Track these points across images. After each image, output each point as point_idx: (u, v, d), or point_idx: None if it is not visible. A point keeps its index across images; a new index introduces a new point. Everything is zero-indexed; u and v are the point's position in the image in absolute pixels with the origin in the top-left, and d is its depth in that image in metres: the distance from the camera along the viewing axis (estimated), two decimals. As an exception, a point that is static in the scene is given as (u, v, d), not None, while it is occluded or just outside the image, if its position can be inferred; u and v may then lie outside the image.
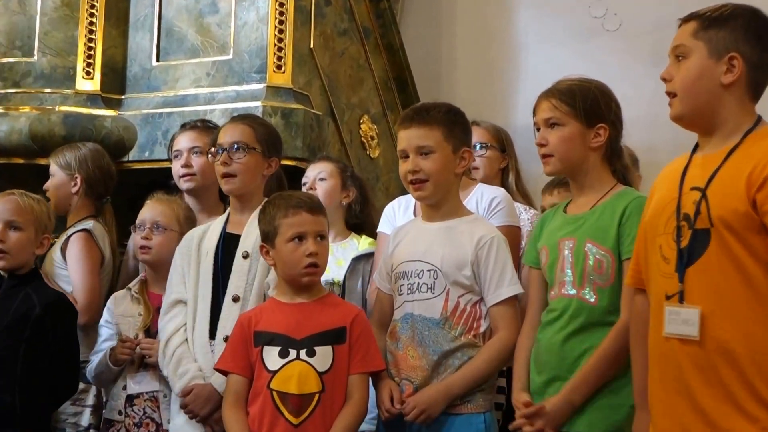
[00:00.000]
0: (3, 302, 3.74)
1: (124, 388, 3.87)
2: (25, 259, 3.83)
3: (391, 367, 3.38)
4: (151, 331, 3.90)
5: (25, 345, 3.66)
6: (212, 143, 3.92)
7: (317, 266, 3.33)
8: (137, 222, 4.01)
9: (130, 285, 4.02)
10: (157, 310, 3.89)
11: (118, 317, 3.97)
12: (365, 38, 5.38)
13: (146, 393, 3.85)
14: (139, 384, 3.86)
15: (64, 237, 4.28)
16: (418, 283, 3.36)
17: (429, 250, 3.38)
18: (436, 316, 3.31)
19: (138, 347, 3.83)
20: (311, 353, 3.25)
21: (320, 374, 3.24)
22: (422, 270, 3.37)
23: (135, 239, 4.02)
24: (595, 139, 3.19)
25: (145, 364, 3.85)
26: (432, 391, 3.27)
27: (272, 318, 3.34)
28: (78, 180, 4.40)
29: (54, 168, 4.43)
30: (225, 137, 3.75)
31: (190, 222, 4.04)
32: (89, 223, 4.31)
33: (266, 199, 3.59)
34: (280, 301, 3.38)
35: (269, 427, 3.23)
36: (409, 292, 3.38)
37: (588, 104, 3.18)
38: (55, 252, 4.25)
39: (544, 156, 3.22)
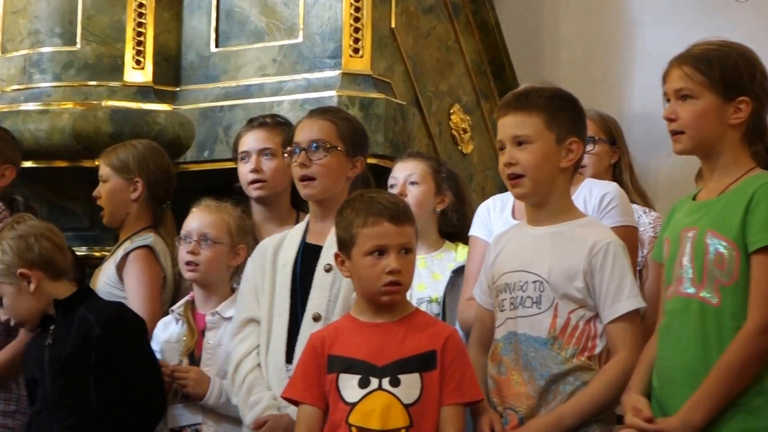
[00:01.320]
0: (59, 334, 3.77)
1: (167, 422, 3.92)
2: (34, 315, 3.86)
3: (492, 394, 3.36)
4: (195, 356, 3.95)
5: (94, 375, 3.68)
6: (288, 142, 3.94)
7: (400, 284, 3.29)
8: (182, 233, 4.03)
9: (174, 307, 4.07)
10: (202, 332, 3.95)
11: (163, 344, 4.02)
12: (454, 16, 5.38)
13: (189, 427, 3.90)
14: (180, 416, 3.91)
15: (119, 252, 4.26)
16: (522, 297, 3.34)
17: (534, 258, 3.36)
18: (543, 335, 3.29)
19: (174, 377, 3.88)
20: (395, 382, 3.22)
21: (406, 407, 3.20)
22: (526, 282, 3.34)
23: (180, 254, 4.03)
24: (735, 114, 3.13)
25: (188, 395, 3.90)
26: (540, 423, 3.24)
27: (350, 340, 3.32)
28: (139, 184, 4.35)
29: (107, 171, 4.37)
30: (302, 135, 3.77)
31: (243, 233, 4.06)
32: (149, 237, 4.28)
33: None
34: (358, 320, 3.35)
35: None
36: (511, 307, 3.35)
37: (728, 74, 3.13)
38: (108, 269, 4.26)
39: (673, 133, 3.18)
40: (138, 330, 3.83)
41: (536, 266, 3.34)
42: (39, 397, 3.80)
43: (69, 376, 3.70)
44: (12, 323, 3.89)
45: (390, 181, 4.31)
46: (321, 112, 3.91)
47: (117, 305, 3.85)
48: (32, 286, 3.78)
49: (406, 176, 4.32)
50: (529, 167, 3.33)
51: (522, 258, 3.39)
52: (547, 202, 3.40)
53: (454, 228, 4.35)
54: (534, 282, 3.33)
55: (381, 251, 3.28)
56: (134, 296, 4.18)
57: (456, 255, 4.27)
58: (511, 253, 3.45)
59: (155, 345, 4.03)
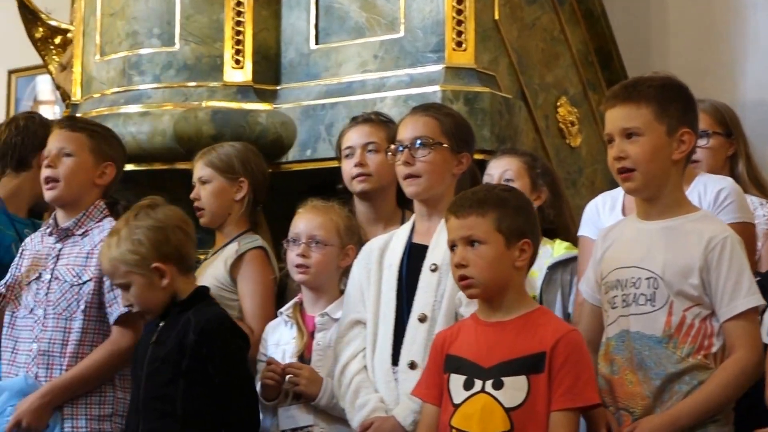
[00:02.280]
0: (164, 333, 3.79)
1: (278, 424, 3.96)
2: (156, 305, 3.85)
3: (604, 394, 3.35)
4: (305, 357, 3.98)
5: (185, 380, 3.70)
6: (391, 140, 3.98)
7: (466, 278, 3.33)
8: (291, 236, 4.06)
9: (282, 309, 4.11)
10: (312, 334, 3.99)
11: (272, 346, 4.07)
12: (559, 5, 5.38)
13: (301, 429, 3.93)
14: (291, 419, 3.95)
15: (228, 254, 4.30)
16: (635, 294, 3.33)
17: (647, 254, 3.35)
18: (657, 333, 3.28)
19: (286, 375, 3.91)
20: (498, 385, 3.23)
21: (508, 410, 3.20)
22: (639, 278, 3.34)
23: (289, 256, 4.07)
24: None
25: (299, 395, 3.92)
26: (654, 422, 3.23)
27: (465, 340, 3.36)
28: (243, 185, 4.39)
29: (208, 172, 4.40)
30: (406, 132, 3.80)
31: (351, 233, 4.09)
32: (256, 239, 4.33)
33: None
34: (478, 319, 3.38)
35: None
36: (624, 304, 3.35)
37: None
38: (217, 271, 4.29)
39: None
40: (233, 343, 3.80)
41: (649, 262, 3.33)
42: (133, 395, 3.86)
43: (161, 378, 3.73)
44: (134, 311, 3.90)
45: (485, 179, 4.33)
46: (424, 108, 3.94)
47: (221, 315, 3.85)
48: (165, 282, 3.79)
49: (501, 173, 4.34)
50: (640, 161, 3.33)
51: (634, 253, 3.38)
52: (659, 195, 3.38)
53: (551, 224, 4.36)
54: (647, 279, 3.32)
55: (452, 246, 3.36)
56: (248, 298, 4.24)
57: (553, 251, 4.27)
58: (621, 249, 3.44)
59: (263, 348, 4.09)
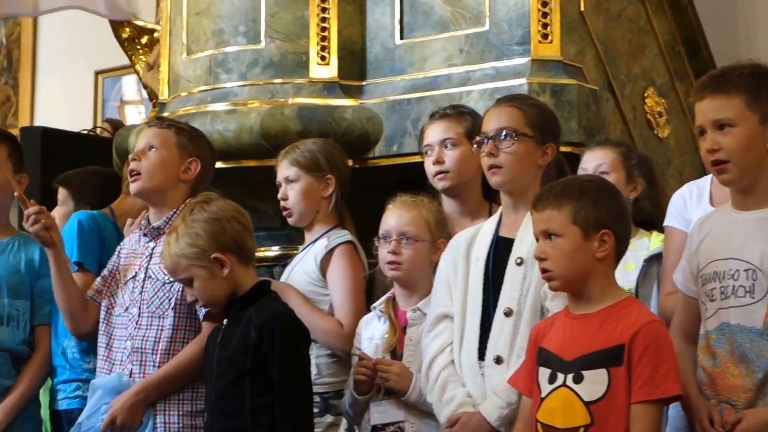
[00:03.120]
0: (228, 332, 3.81)
1: (370, 420, 3.97)
2: (218, 296, 3.86)
3: (705, 387, 3.31)
4: (397, 353, 3.98)
5: (250, 377, 3.71)
6: (471, 131, 3.96)
7: (546, 271, 3.33)
8: (381, 232, 4.06)
9: (375, 303, 4.11)
10: (403, 329, 3.98)
11: (366, 341, 4.07)
12: (645, -4, 5.33)
13: (391, 424, 3.94)
14: (382, 414, 3.95)
15: (319, 250, 4.30)
16: (734, 286, 3.26)
17: (744, 245, 3.28)
18: (758, 326, 3.21)
19: (377, 370, 3.91)
20: (578, 379, 3.21)
21: (587, 404, 3.18)
22: (737, 270, 3.27)
23: (381, 253, 4.06)
24: None
25: (390, 391, 3.93)
26: (762, 415, 3.17)
27: (554, 332, 3.35)
28: (331, 182, 4.39)
29: (295, 171, 4.39)
30: (490, 124, 3.78)
31: (441, 226, 4.08)
32: (345, 234, 4.34)
33: None
34: (567, 311, 3.37)
35: None
36: (722, 297, 3.28)
37: None
38: (308, 267, 4.31)
39: None
40: (291, 341, 3.78)
41: (747, 253, 3.26)
42: (207, 394, 3.89)
43: (228, 377, 3.75)
44: (198, 306, 3.96)
45: (579, 172, 4.29)
46: (508, 99, 3.91)
47: (281, 311, 3.83)
48: (225, 271, 3.80)
49: (596, 166, 4.30)
50: (734, 152, 3.26)
51: (731, 245, 3.32)
52: (754, 185, 3.32)
53: (647, 216, 4.31)
54: (746, 270, 3.25)
55: (537, 239, 3.37)
56: (339, 292, 4.25)
57: (650, 243, 4.23)
58: (717, 240, 3.38)
59: (357, 342, 4.10)
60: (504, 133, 3.72)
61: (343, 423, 4.20)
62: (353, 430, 4.16)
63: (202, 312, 4.05)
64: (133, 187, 4.24)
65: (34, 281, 4.61)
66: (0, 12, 5.60)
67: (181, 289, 4.07)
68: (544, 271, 3.33)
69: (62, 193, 5.26)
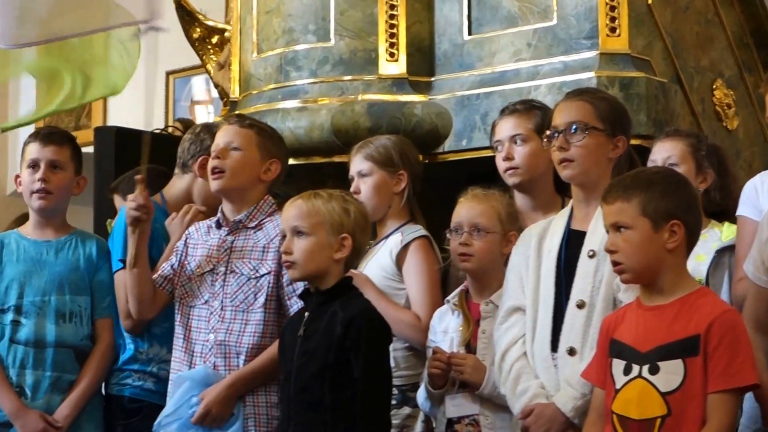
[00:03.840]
0: (311, 324, 3.79)
1: (444, 413, 3.98)
2: (320, 267, 3.83)
3: None
4: (471, 346, 3.99)
5: (332, 371, 3.70)
6: (542, 125, 3.97)
7: (616, 264, 3.34)
8: (453, 225, 4.07)
9: (449, 297, 4.12)
10: (477, 322, 3.99)
11: (440, 334, 4.08)
12: (713, -13, 5.30)
13: (466, 417, 3.95)
14: (457, 407, 3.96)
15: (394, 245, 4.32)
16: None
17: (817, 235, 3.28)
18: (830, 313, 3.21)
19: (451, 364, 3.92)
20: (654, 370, 3.20)
21: (664, 395, 3.18)
22: None
23: (452, 245, 4.08)
24: None
25: (464, 384, 3.94)
26: None
27: (627, 324, 3.34)
28: (403, 177, 4.40)
29: (368, 166, 4.41)
30: (560, 118, 3.78)
31: (512, 218, 4.08)
32: (419, 228, 4.35)
33: None
34: (640, 303, 3.36)
35: None
36: (797, 288, 3.28)
37: None
38: (383, 262, 4.33)
39: None
40: (379, 339, 3.77)
41: None
42: (282, 387, 3.89)
43: (310, 370, 3.74)
44: (286, 271, 3.92)
45: (649, 164, 4.27)
46: (578, 93, 3.91)
47: (367, 308, 3.81)
48: (337, 256, 3.78)
49: (665, 158, 4.29)
50: None
51: (804, 235, 3.31)
52: None
53: (718, 207, 4.29)
54: None
55: (607, 231, 3.36)
56: (415, 286, 4.27)
57: (722, 234, 4.21)
58: (789, 230, 3.38)
59: (432, 335, 4.11)
60: (574, 126, 3.72)
61: (421, 415, 4.22)
62: (430, 422, 4.17)
63: (292, 309, 4.07)
64: (215, 184, 4.26)
65: (92, 276, 4.66)
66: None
67: (270, 284, 4.13)
68: (615, 263, 3.33)
69: (117, 200, 5.31)
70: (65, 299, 4.60)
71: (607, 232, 3.36)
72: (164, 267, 4.37)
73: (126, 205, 4.27)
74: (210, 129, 4.76)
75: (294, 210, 3.82)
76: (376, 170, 4.40)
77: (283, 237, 3.85)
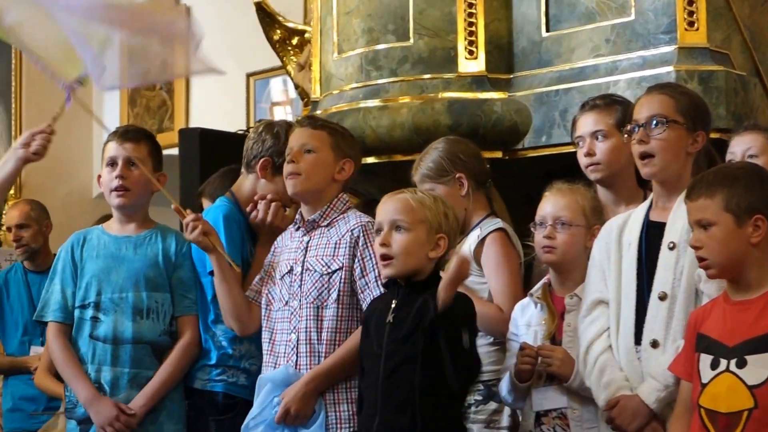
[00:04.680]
0: (400, 312, 3.80)
1: (532, 406, 3.99)
2: (416, 264, 3.84)
3: None
4: (556, 339, 4.00)
5: (422, 357, 3.71)
6: (622, 120, 3.97)
7: (702, 259, 3.35)
8: (537, 218, 4.08)
9: (533, 290, 4.13)
10: (562, 315, 4.00)
11: (522, 327, 4.09)
12: (793, -21, 5.25)
13: (554, 410, 3.96)
14: (545, 400, 3.97)
15: (472, 240, 4.34)
16: None
17: None
18: None
19: (539, 356, 3.93)
20: (741, 364, 3.20)
21: (751, 388, 3.18)
22: None
23: (536, 238, 4.09)
24: None
25: (552, 377, 3.95)
26: None
27: (714, 318, 3.35)
28: (463, 180, 4.40)
29: (429, 185, 4.38)
30: (641, 111, 3.79)
31: (597, 213, 4.08)
32: (497, 221, 4.36)
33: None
34: (727, 297, 3.36)
35: None
36: None
37: None
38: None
39: None
40: (471, 324, 3.77)
41: None
42: (368, 373, 3.89)
43: (400, 357, 3.76)
44: (383, 267, 3.91)
45: (727, 157, 4.27)
46: (659, 87, 3.91)
47: (461, 298, 3.77)
48: (433, 254, 3.81)
49: (744, 150, 4.29)
50: None
51: None
52: None
53: None
54: None
55: (691, 228, 3.38)
56: (496, 279, 4.28)
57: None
58: None
59: (514, 328, 4.12)
60: (655, 120, 3.73)
61: (507, 410, 4.24)
62: (517, 416, 4.19)
63: (366, 302, 4.09)
64: (292, 187, 4.30)
65: (171, 272, 4.70)
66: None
67: (342, 279, 4.16)
68: (700, 259, 3.34)
69: (205, 203, 5.37)
70: (142, 296, 4.64)
71: (692, 228, 3.37)
72: (255, 281, 4.43)
73: (190, 236, 4.31)
74: (271, 128, 4.79)
75: (396, 203, 3.84)
76: (437, 185, 4.39)
77: (378, 231, 3.87)
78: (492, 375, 4.22)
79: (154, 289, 4.67)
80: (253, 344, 4.59)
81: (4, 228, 10.99)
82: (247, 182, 4.78)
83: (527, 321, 4.08)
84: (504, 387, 4.06)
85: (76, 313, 4.68)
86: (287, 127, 4.78)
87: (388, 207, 3.86)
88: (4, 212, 10.91)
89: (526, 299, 4.12)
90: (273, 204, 4.62)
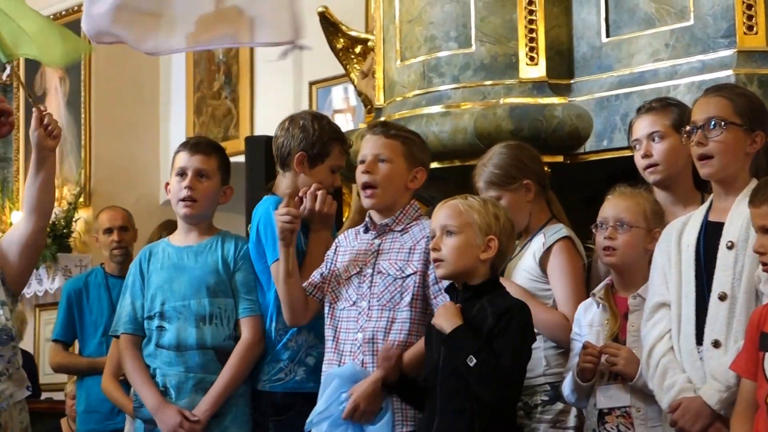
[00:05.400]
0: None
1: (596, 404, 4.02)
2: (467, 265, 3.92)
3: None
4: (619, 339, 4.02)
5: (478, 360, 3.77)
6: (679, 122, 3.99)
7: (765, 264, 3.40)
8: (599, 220, 4.12)
9: (595, 290, 4.16)
10: (625, 315, 4.01)
11: (585, 327, 4.12)
12: None
13: (618, 408, 3.98)
14: (608, 398, 3.99)
15: (537, 247, 4.38)
16: None
17: None
18: None
19: (603, 355, 3.95)
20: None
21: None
22: None
23: (597, 239, 4.12)
24: None
25: (616, 376, 3.97)
26: None
27: None
28: (531, 185, 4.44)
29: (495, 191, 4.42)
30: (699, 113, 3.81)
31: (658, 217, 4.11)
32: (560, 228, 4.39)
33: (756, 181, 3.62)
34: None
35: None
36: None
37: None
38: (527, 264, 4.38)
39: None
40: (524, 325, 3.87)
41: None
42: (428, 376, 3.96)
43: (457, 360, 3.82)
44: (436, 269, 3.99)
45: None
46: (716, 89, 3.94)
47: (519, 304, 3.91)
48: (484, 256, 3.88)
49: None
50: None
51: None
52: None
53: None
54: None
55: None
56: (561, 287, 4.31)
57: None
58: None
59: (577, 328, 4.15)
60: (713, 122, 3.75)
61: (573, 410, 4.26)
62: (583, 416, 4.21)
63: (437, 308, 4.09)
64: (368, 202, 4.34)
65: (231, 277, 4.76)
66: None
67: (416, 284, 4.20)
68: (764, 264, 3.38)
69: None
70: (204, 302, 4.72)
71: (756, 232, 3.39)
72: (314, 275, 4.45)
73: (276, 218, 4.35)
74: (297, 122, 4.79)
75: (446, 210, 3.93)
76: (504, 192, 4.42)
77: (433, 236, 3.94)
78: (557, 377, 4.25)
79: (215, 295, 4.74)
80: (311, 333, 4.63)
81: (74, 234, 11.18)
82: (285, 180, 4.79)
83: (590, 321, 4.11)
84: (567, 386, 4.09)
85: (145, 324, 4.78)
86: (311, 118, 4.82)
87: (440, 213, 3.95)
88: (84, 216, 11.05)
89: (589, 300, 4.15)
90: (319, 192, 4.62)
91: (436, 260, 3.96)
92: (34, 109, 4.40)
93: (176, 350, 4.71)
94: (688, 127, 3.84)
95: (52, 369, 7.27)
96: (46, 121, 4.38)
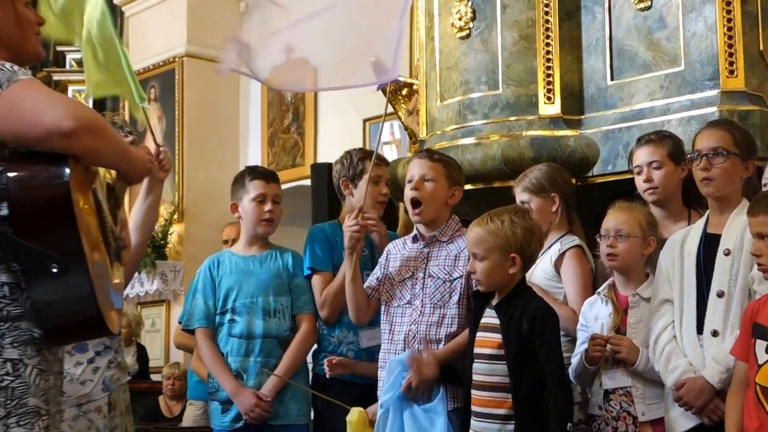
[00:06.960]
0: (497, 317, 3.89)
1: (601, 384, 4.03)
2: (500, 281, 3.89)
3: None
4: (620, 330, 4.03)
5: (518, 359, 3.76)
6: (673, 151, 4.02)
7: (761, 266, 3.40)
8: (602, 231, 4.14)
9: (600, 289, 4.17)
10: (625, 310, 4.02)
11: (591, 320, 4.13)
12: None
13: (620, 389, 3.98)
14: (612, 380, 4.00)
15: (554, 252, 4.39)
16: None
17: None
18: None
19: (609, 344, 3.96)
20: (792, 348, 3.20)
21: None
22: None
23: (601, 247, 4.14)
24: None
25: (618, 361, 3.98)
26: None
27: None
28: (556, 199, 4.47)
29: (527, 196, 4.47)
30: (703, 143, 3.84)
31: (651, 227, 4.12)
32: (574, 239, 4.41)
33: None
34: None
35: (758, 423, 3.30)
36: None
37: None
38: (544, 266, 4.39)
39: None
40: (556, 327, 3.84)
41: None
42: (465, 370, 3.96)
43: (495, 363, 3.83)
44: (476, 286, 3.98)
45: (763, 180, 4.27)
46: (718, 123, 4.00)
47: (547, 306, 3.89)
48: (512, 271, 3.86)
49: None
50: None
51: None
52: None
53: None
54: None
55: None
56: (571, 287, 4.34)
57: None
58: None
59: (583, 320, 4.16)
60: (717, 151, 3.78)
61: (577, 387, 4.24)
62: (586, 393, 4.22)
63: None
64: (417, 218, 4.36)
65: (290, 280, 4.86)
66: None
67: (462, 285, 4.21)
68: (760, 265, 3.40)
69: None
70: (269, 299, 4.80)
71: (754, 238, 3.41)
72: (371, 279, 4.46)
73: (345, 229, 4.40)
74: (340, 159, 4.95)
75: (472, 236, 3.92)
76: (534, 198, 4.46)
77: (469, 258, 3.95)
78: (566, 360, 4.19)
79: (278, 293, 4.83)
80: (351, 331, 4.73)
81: (169, 245, 11.27)
82: (345, 206, 4.90)
83: (595, 315, 4.12)
84: (573, 371, 4.10)
85: (217, 318, 4.84)
86: (344, 154, 4.98)
87: (469, 239, 3.95)
88: (178, 230, 11.12)
89: (593, 297, 4.17)
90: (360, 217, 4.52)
91: (475, 280, 3.97)
92: (154, 144, 4.41)
93: (246, 338, 4.79)
94: (692, 154, 3.85)
95: (176, 347, 7.67)
96: (161, 156, 4.42)
